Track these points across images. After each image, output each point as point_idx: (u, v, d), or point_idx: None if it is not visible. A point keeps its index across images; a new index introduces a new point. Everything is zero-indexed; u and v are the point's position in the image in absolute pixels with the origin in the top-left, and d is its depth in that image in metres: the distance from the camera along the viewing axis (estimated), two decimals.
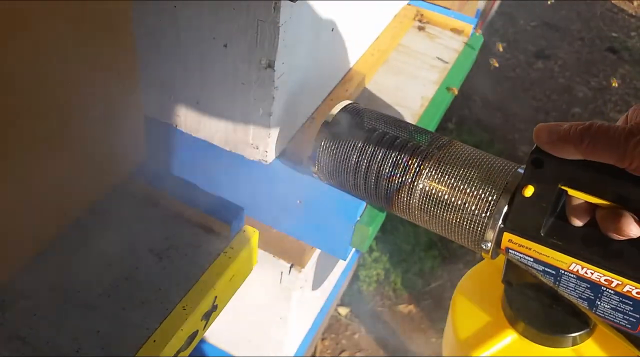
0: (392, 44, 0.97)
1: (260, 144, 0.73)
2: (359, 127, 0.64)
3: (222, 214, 0.59)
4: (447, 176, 0.58)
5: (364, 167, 0.63)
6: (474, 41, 1.02)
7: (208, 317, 0.57)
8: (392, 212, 0.64)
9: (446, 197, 0.57)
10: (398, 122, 0.65)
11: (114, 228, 0.58)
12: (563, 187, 0.48)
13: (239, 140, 0.74)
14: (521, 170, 0.54)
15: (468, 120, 2.21)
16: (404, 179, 0.60)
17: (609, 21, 2.86)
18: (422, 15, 1.04)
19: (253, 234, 0.61)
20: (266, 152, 0.74)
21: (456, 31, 1.03)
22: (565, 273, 0.51)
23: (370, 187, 0.63)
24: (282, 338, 1.01)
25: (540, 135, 0.47)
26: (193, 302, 0.54)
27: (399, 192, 0.61)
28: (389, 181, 0.61)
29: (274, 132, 0.72)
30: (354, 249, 0.79)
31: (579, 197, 0.48)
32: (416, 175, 0.59)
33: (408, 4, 1.04)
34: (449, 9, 1.09)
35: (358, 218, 0.74)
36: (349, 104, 0.68)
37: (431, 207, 0.59)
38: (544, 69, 2.53)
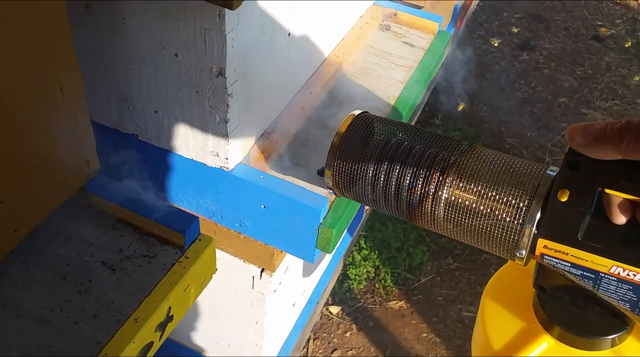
0: (357, 45, 0.97)
1: (220, 151, 0.73)
2: (372, 138, 0.61)
3: (176, 223, 0.60)
4: (473, 184, 0.54)
5: (382, 180, 0.60)
6: (440, 39, 1.02)
7: (163, 327, 0.57)
8: (415, 223, 0.60)
9: (474, 205, 0.54)
10: (413, 130, 0.62)
11: (67, 241, 0.59)
12: (603, 189, 0.46)
13: (199, 148, 0.74)
14: (550, 173, 0.52)
15: (454, 115, 2.21)
16: (426, 189, 0.57)
17: (593, 10, 2.86)
18: (388, 14, 1.04)
19: (209, 242, 0.62)
20: (227, 159, 0.74)
21: (422, 29, 1.03)
22: (606, 276, 0.49)
23: (391, 200, 0.60)
24: (260, 341, 1.01)
25: (574, 137, 0.45)
26: (145, 314, 0.54)
27: (422, 203, 0.57)
28: (410, 193, 0.58)
29: (233, 139, 0.72)
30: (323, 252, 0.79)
31: (624, 196, 0.46)
32: (440, 185, 0.56)
33: (374, 4, 1.05)
34: (419, 6, 1.10)
35: (321, 221, 0.74)
36: (360, 114, 0.64)
37: (458, 216, 0.55)
38: (529, 60, 2.53)
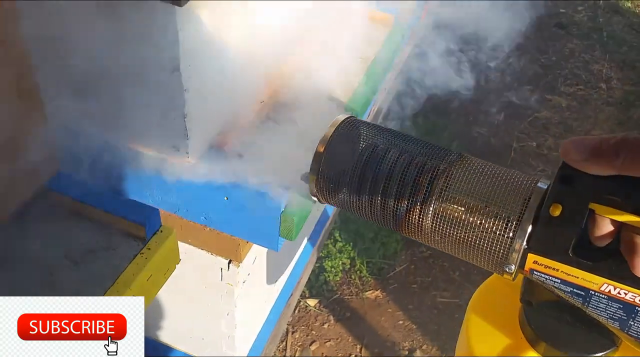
0: (314, 39, 1.00)
1: (181, 145, 0.75)
2: (358, 144, 0.59)
3: (136, 216, 0.62)
4: (462, 195, 0.52)
5: (367, 188, 0.57)
6: (396, 30, 1.05)
7: None
8: (402, 234, 0.58)
9: (463, 217, 0.52)
10: (401, 137, 0.59)
11: (29, 238, 0.60)
12: (595, 205, 0.45)
13: (160, 143, 0.76)
14: (541, 186, 0.50)
15: (423, 107, 2.24)
16: (414, 199, 0.54)
17: None
18: (344, 8, 1.06)
19: (170, 233, 0.64)
20: (187, 153, 0.76)
21: (379, 22, 1.05)
22: (596, 294, 0.48)
23: (376, 209, 0.57)
24: (232, 333, 1.03)
25: (569, 152, 0.44)
26: None
27: (409, 213, 0.55)
28: (397, 202, 0.56)
29: (193, 133, 0.74)
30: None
31: (610, 216, 0.45)
32: (428, 195, 0.54)
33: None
34: None
35: (283, 208, 0.77)
36: (346, 118, 0.61)
37: (446, 229, 0.53)
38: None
